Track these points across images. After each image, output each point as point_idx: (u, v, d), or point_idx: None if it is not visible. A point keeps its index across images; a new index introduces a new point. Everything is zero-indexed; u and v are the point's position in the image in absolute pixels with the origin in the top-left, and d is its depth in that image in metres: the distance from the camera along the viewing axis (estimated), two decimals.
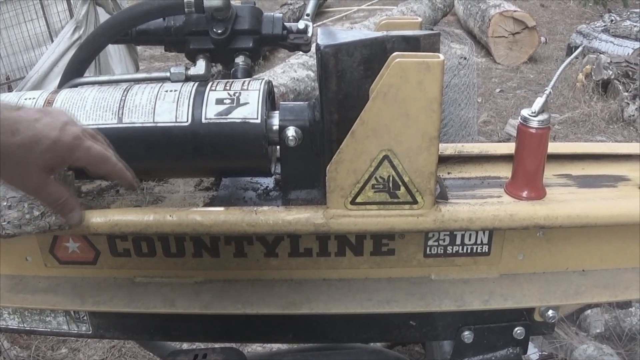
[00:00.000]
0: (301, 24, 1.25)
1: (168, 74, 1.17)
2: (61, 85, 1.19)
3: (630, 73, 5.13)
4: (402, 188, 1.07)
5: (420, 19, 1.23)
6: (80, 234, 1.17)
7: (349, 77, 1.02)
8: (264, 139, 1.07)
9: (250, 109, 1.07)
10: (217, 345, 1.31)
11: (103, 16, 4.11)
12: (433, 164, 1.05)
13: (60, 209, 0.89)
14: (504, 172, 1.29)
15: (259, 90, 1.10)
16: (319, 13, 8.79)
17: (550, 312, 1.20)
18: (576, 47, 6.42)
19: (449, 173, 1.31)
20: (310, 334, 1.28)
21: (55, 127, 0.81)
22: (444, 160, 1.32)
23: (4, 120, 0.77)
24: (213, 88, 1.11)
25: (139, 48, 5.17)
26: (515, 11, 6.90)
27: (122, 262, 1.21)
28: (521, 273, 1.23)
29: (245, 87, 1.11)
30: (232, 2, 1.15)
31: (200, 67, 1.18)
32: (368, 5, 9.59)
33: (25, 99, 1.11)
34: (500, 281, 1.21)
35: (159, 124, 1.06)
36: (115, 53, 4.48)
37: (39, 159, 0.81)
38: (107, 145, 0.94)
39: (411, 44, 1.02)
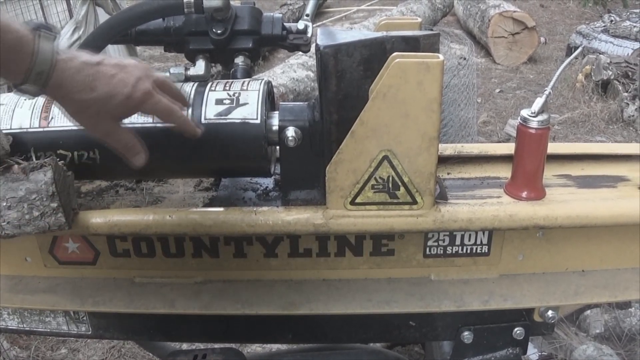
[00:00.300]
0: (301, 25, 1.25)
1: (167, 75, 1.17)
2: None
3: (629, 73, 5.13)
4: (402, 188, 1.07)
5: (419, 20, 1.23)
6: (80, 235, 1.17)
7: (348, 78, 1.02)
8: (263, 139, 1.07)
9: (249, 110, 1.07)
10: (216, 346, 1.31)
11: (102, 17, 4.11)
12: (433, 164, 1.05)
13: (127, 151, 0.96)
14: (504, 172, 1.29)
15: (259, 90, 1.10)
16: (319, 13, 8.78)
17: (549, 313, 1.20)
18: (576, 48, 6.41)
19: (448, 173, 1.31)
20: (310, 334, 1.28)
21: (128, 83, 0.89)
22: (444, 160, 1.32)
23: (85, 77, 0.86)
24: (212, 88, 1.11)
25: (138, 48, 5.16)
26: (514, 11, 6.90)
27: (122, 263, 1.21)
28: (521, 273, 1.23)
29: (244, 88, 1.10)
30: (231, 3, 1.15)
31: (199, 67, 1.18)
32: (368, 6, 9.59)
33: (25, 99, 1.11)
34: (500, 281, 1.21)
35: (158, 124, 1.06)
36: (114, 53, 4.48)
37: (112, 111, 0.89)
38: (176, 93, 1.02)
39: (411, 44, 1.02)
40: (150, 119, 1.06)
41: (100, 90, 0.87)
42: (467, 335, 1.22)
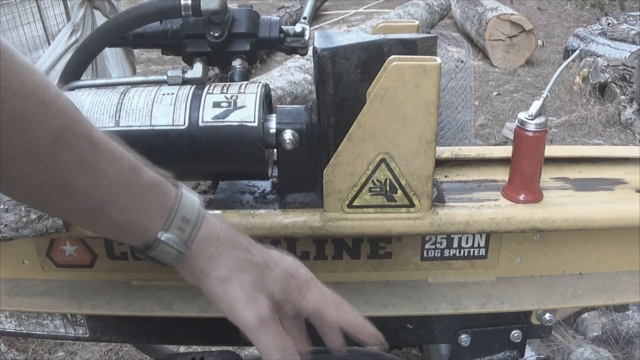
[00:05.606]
0: (298, 27, 1.24)
1: (165, 77, 1.17)
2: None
3: (627, 76, 5.15)
4: (399, 191, 1.07)
5: (417, 22, 1.23)
6: (77, 237, 1.17)
7: (346, 80, 1.02)
8: (261, 142, 1.07)
9: (247, 112, 1.07)
10: (214, 349, 1.31)
11: (100, 19, 4.10)
12: (430, 167, 1.05)
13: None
14: (501, 175, 1.29)
15: (256, 93, 1.10)
16: (316, 16, 8.80)
17: (547, 316, 1.20)
18: (573, 51, 6.44)
19: (446, 176, 1.31)
20: (307, 336, 1.28)
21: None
22: (441, 163, 1.32)
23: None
24: (210, 91, 1.11)
25: (136, 51, 5.16)
26: (512, 14, 6.92)
27: (119, 266, 1.21)
28: (518, 276, 1.23)
29: (242, 91, 1.10)
30: (229, 6, 1.15)
31: (197, 70, 1.18)
32: (365, 9, 9.61)
33: None
34: (497, 284, 1.21)
35: (155, 127, 1.06)
36: (112, 56, 4.47)
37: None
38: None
39: (408, 47, 1.02)
40: (147, 121, 1.06)
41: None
42: (464, 338, 1.22)
